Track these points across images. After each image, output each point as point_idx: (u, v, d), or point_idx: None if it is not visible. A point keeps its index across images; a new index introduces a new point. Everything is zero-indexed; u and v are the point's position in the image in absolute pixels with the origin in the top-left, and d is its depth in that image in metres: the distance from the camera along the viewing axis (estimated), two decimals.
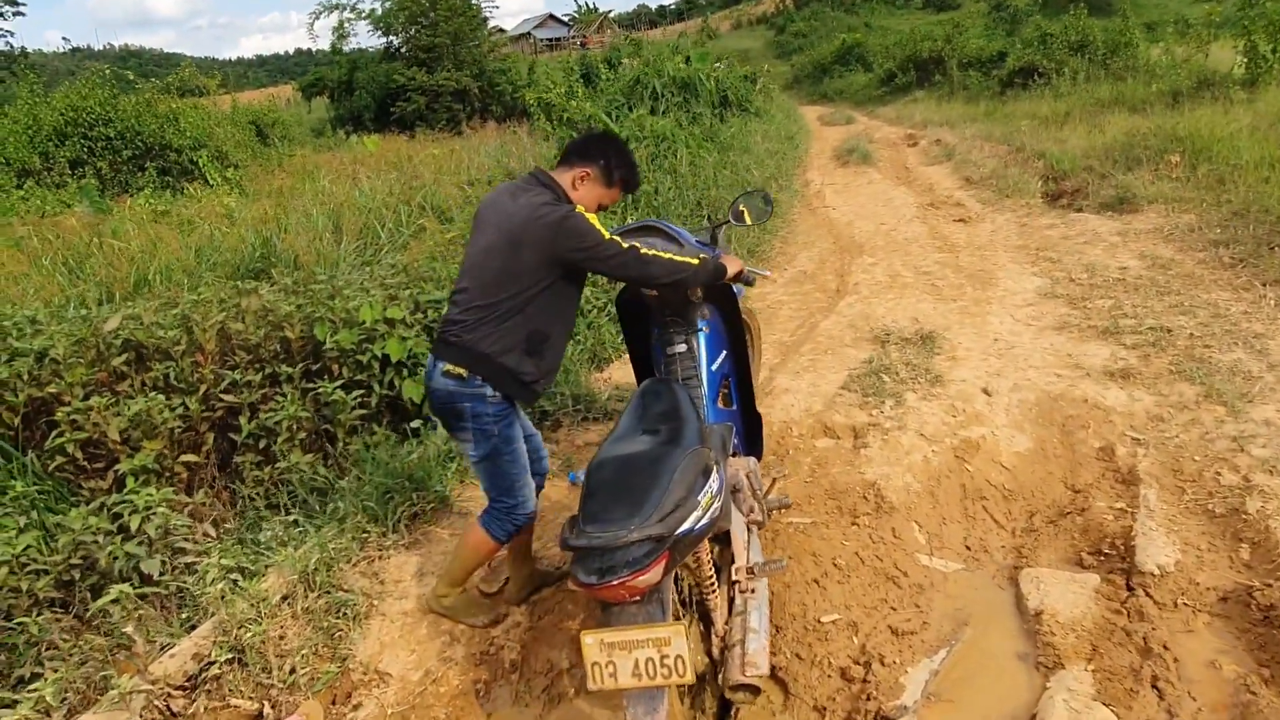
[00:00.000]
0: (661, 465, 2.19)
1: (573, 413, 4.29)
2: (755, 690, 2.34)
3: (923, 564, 3.27)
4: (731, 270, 2.87)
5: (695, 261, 2.68)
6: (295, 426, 4.31)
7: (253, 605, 2.90)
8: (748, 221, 3.15)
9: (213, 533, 3.77)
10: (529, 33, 56.57)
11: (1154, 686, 2.52)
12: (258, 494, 3.99)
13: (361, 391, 4.35)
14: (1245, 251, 5.56)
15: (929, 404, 4.09)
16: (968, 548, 3.40)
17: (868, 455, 3.77)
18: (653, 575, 2.08)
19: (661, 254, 2.61)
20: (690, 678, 2.07)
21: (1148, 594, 2.89)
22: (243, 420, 4.31)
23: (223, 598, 2.95)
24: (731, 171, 7.83)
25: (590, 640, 2.09)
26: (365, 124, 23.93)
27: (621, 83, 8.34)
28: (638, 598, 2.13)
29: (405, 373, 4.68)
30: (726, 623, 2.59)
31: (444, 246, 5.84)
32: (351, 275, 5.36)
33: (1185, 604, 2.85)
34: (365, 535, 3.40)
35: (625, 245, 2.53)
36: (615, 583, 2.01)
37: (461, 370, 2.53)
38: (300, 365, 4.52)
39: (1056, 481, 3.67)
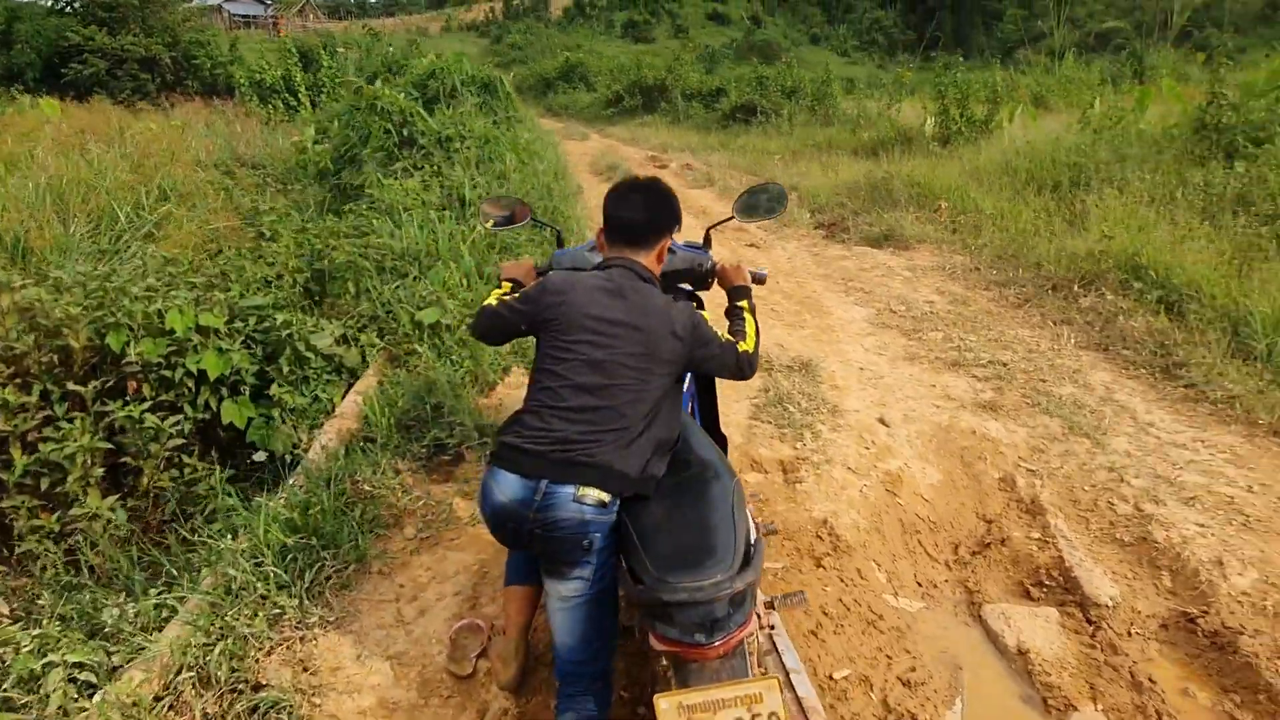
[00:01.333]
0: (718, 501, 2.02)
1: (478, 445, 3.74)
2: None
3: (892, 605, 3.25)
4: (740, 280, 2.64)
5: (752, 329, 2.46)
6: (89, 460, 3.40)
7: None
8: (750, 218, 2.89)
9: (3, 610, 2.85)
10: (220, 5, 50.77)
11: None
12: (46, 552, 3.09)
13: (175, 416, 3.51)
14: (1028, 292, 6.33)
15: (840, 435, 4.12)
16: (919, 584, 3.44)
17: (805, 491, 3.69)
18: (753, 626, 1.90)
19: (749, 345, 2.38)
20: None
21: (1108, 626, 3.09)
22: (14, 453, 3.33)
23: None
24: (535, 177, 7.45)
25: (666, 705, 1.80)
26: (27, 83, 20.16)
27: (413, 75, 7.57)
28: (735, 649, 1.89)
29: (225, 393, 3.85)
30: (760, 665, 2.30)
31: (233, 240, 4.89)
32: (114, 268, 4.31)
33: (1138, 633, 3.09)
34: (278, 611, 2.67)
35: (729, 340, 2.32)
36: (727, 639, 1.80)
37: (605, 496, 2.06)
38: (93, 383, 3.56)
39: (969, 512, 3.85)
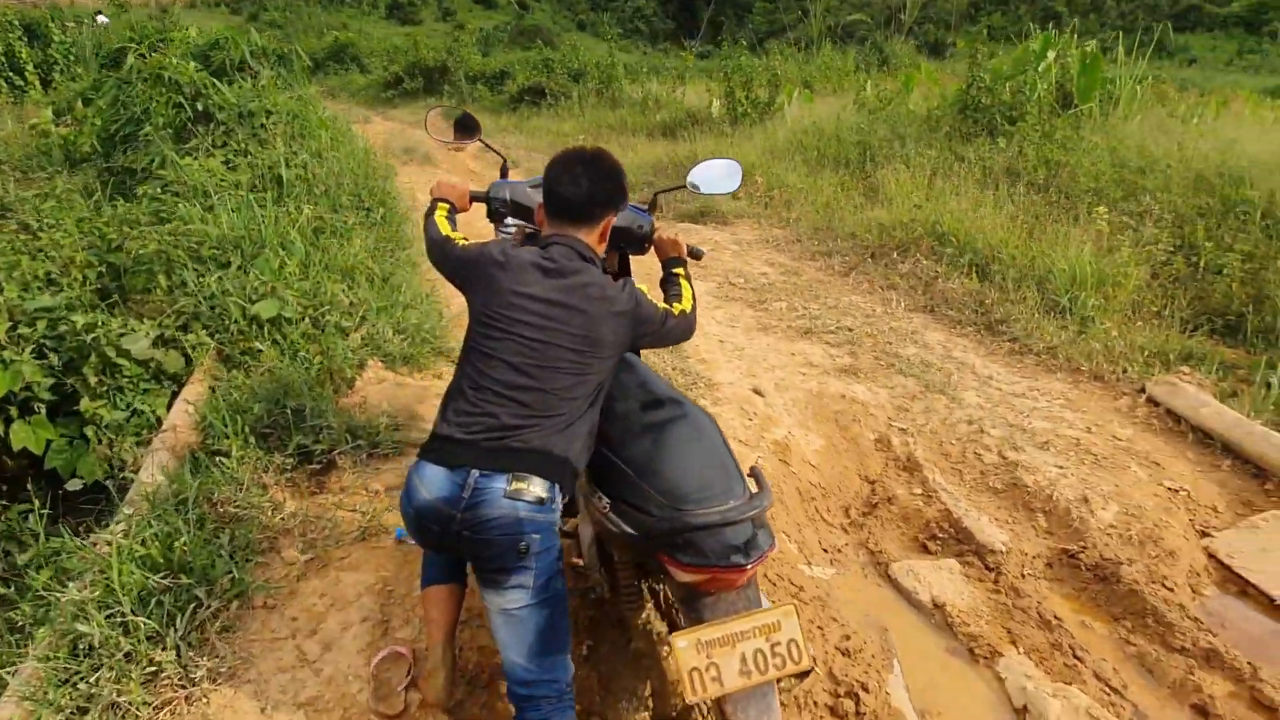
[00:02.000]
0: (712, 431, 2.07)
1: (351, 450, 3.31)
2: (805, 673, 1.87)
3: (809, 575, 3.23)
4: (676, 253, 2.54)
5: (689, 293, 2.39)
6: None
7: None
8: (703, 191, 2.75)
9: None
10: None
11: (1076, 656, 2.84)
12: None
13: None
14: (851, 261, 6.62)
15: (723, 409, 4.06)
16: (824, 550, 3.46)
17: None
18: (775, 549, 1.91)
19: (686, 304, 2.32)
20: (808, 663, 1.82)
21: (1006, 571, 3.24)
22: None
23: None
24: (354, 156, 6.79)
25: (684, 643, 1.76)
26: None
27: (191, 46, 6.61)
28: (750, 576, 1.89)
29: (14, 413, 3.22)
30: None
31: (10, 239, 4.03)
32: None
33: (1030, 574, 3.27)
34: (153, 669, 2.19)
35: (665, 309, 2.21)
36: (760, 558, 1.82)
37: (543, 492, 1.90)
38: None
39: (853, 475, 3.93)
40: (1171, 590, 3.07)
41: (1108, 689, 2.69)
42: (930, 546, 3.47)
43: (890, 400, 4.36)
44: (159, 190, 4.73)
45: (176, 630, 2.31)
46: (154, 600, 2.35)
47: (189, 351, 3.60)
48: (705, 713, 2.34)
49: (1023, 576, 3.24)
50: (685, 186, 2.68)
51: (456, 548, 1.93)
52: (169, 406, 3.42)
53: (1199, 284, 5.25)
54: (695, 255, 2.61)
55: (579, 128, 14.83)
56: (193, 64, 5.80)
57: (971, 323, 5.35)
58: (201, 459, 3.04)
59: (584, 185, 2.11)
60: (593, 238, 2.15)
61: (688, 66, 18.54)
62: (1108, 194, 6.69)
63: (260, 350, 3.65)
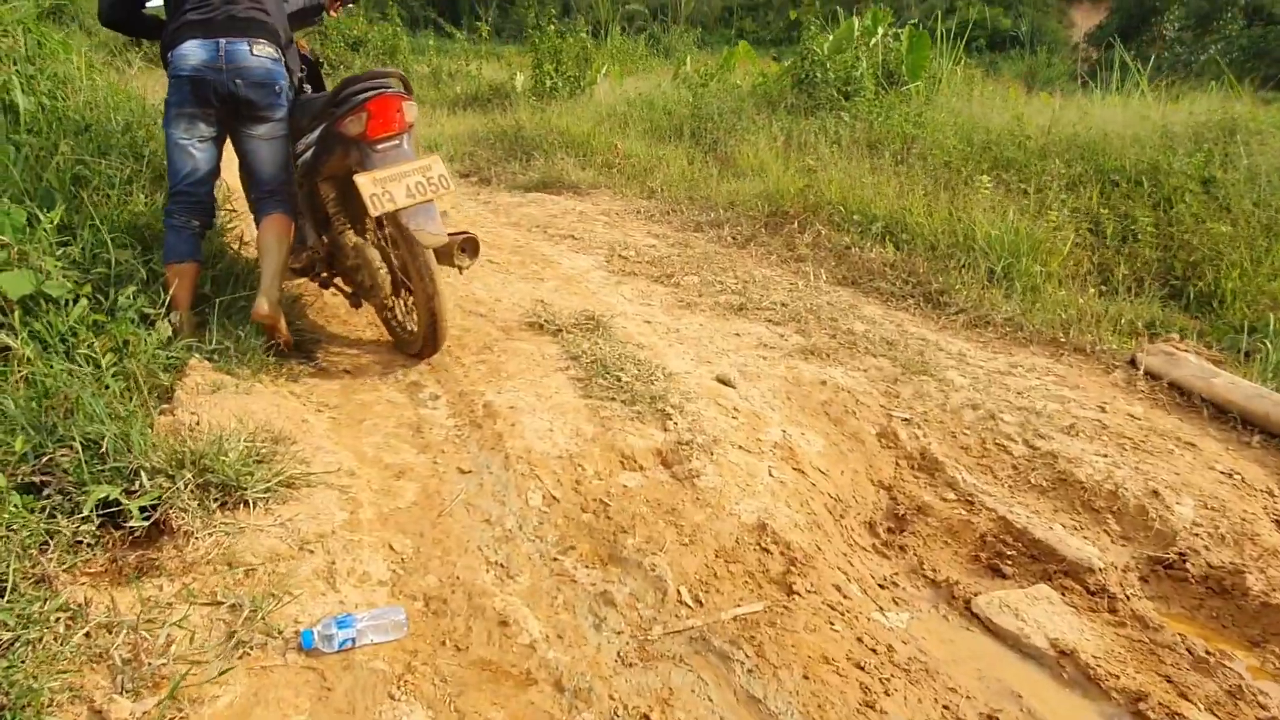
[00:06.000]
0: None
1: (194, 498, 2.01)
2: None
3: (885, 626, 2.36)
4: None
5: None
6: None
7: None
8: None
9: None
10: None
11: (1260, 705, 2.17)
12: None
13: None
14: (744, 232, 5.85)
15: (697, 405, 3.10)
16: (881, 586, 2.60)
17: (711, 487, 2.63)
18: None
19: None
20: (453, 189, 2.88)
21: (1115, 596, 2.55)
22: None
23: None
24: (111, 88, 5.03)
25: (364, 179, 2.73)
26: None
27: None
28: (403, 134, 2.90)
29: None
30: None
31: None
32: None
33: (1133, 594, 2.60)
34: None
35: None
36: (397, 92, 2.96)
37: (273, 52, 3.06)
38: None
39: (865, 481, 3.12)
40: None
41: None
42: (1003, 569, 2.71)
43: (873, 385, 3.59)
44: None
45: None
46: None
47: None
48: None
49: (1125, 597, 2.56)
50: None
51: (231, 100, 3.00)
52: None
53: (1130, 250, 4.96)
54: None
55: None
56: None
57: (907, 295, 4.74)
58: None
59: None
60: None
61: (484, 39, 17.36)
62: (977, 165, 6.41)
63: (11, 347, 2.22)
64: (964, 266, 4.82)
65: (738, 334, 3.99)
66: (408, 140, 2.87)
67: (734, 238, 5.78)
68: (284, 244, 3.13)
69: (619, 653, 1.99)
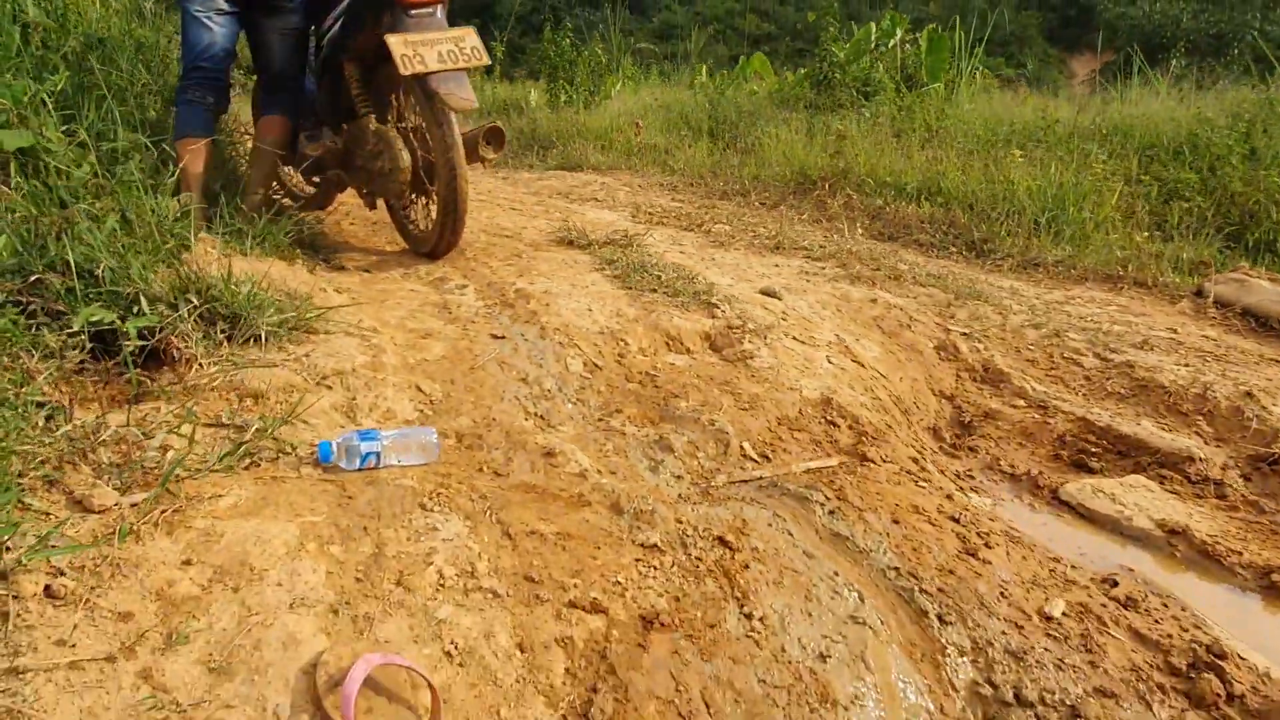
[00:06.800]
0: None
1: (198, 328, 1.78)
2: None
3: (974, 505, 2.09)
4: None
5: None
6: None
7: None
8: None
9: None
10: None
11: None
12: None
13: None
14: (771, 198, 5.66)
15: (743, 306, 2.86)
16: (958, 477, 2.34)
17: (768, 366, 2.38)
18: None
19: None
20: (487, 60, 2.72)
21: (1225, 484, 2.29)
22: None
23: None
24: None
25: (395, 39, 2.59)
26: None
27: None
28: (437, 4, 2.72)
29: None
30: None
31: None
32: None
33: (1238, 488, 2.33)
34: None
35: None
36: None
37: None
38: None
39: (925, 389, 2.86)
40: None
41: None
42: (1089, 464, 2.44)
43: (925, 308, 3.35)
44: None
45: None
46: None
47: None
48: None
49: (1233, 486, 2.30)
50: None
51: None
52: None
53: (1179, 204, 4.73)
54: None
55: None
56: None
57: (948, 245, 4.52)
58: None
59: None
60: None
61: (497, 59, 17.48)
62: (1006, 145, 6.23)
63: (4, 193, 2.01)
64: (1007, 217, 4.61)
65: (776, 265, 3.77)
66: (441, 11, 2.72)
67: (761, 202, 5.59)
68: (276, 148, 3.08)
69: (680, 494, 1.73)
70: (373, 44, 2.81)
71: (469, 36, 2.67)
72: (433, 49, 2.58)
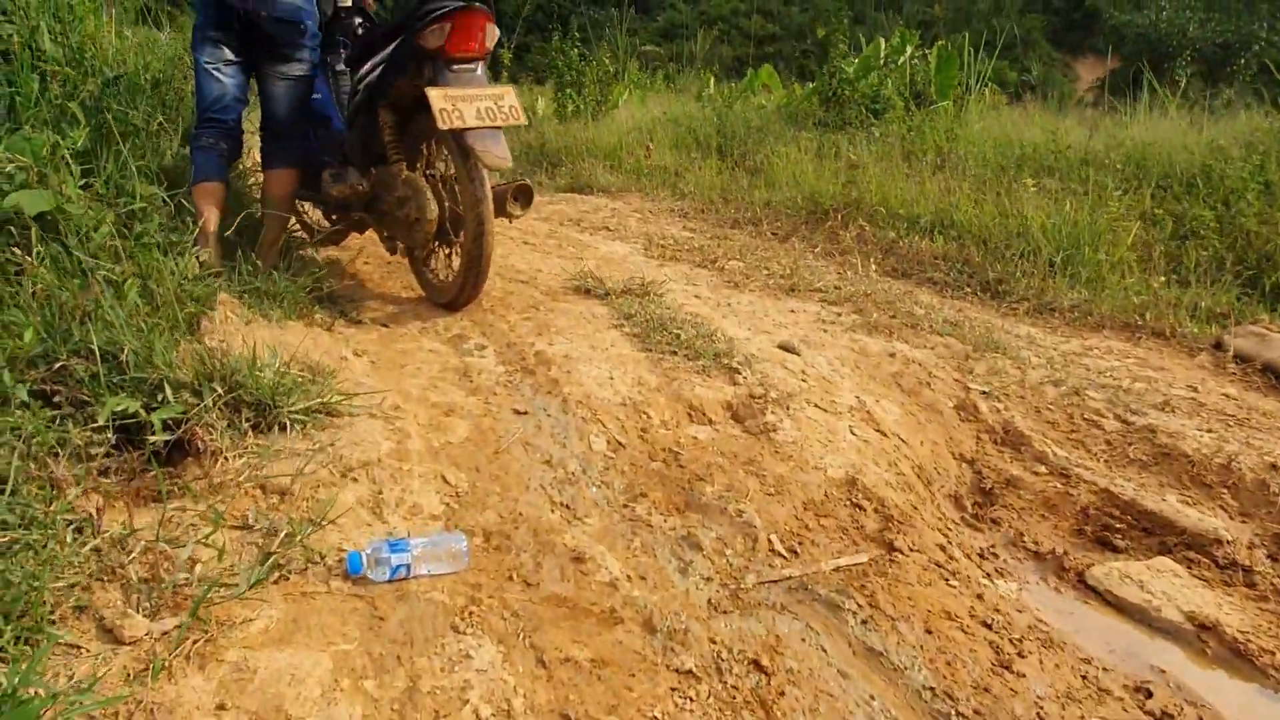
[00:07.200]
0: None
1: (223, 417, 1.75)
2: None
3: (999, 594, 2.07)
4: None
5: None
6: None
7: None
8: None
9: None
10: None
11: None
12: None
13: None
14: (784, 228, 5.63)
15: (764, 366, 2.84)
16: (981, 556, 2.32)
17: (790, 440, 2.36)
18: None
19: None
20: (524, 120, 2.77)
21: (1252, 569, 2.27)
22: None
23: None
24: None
25: (435, 93, 2.63)
26: None
27: None
28: (479, 61, 2.79)
29: None
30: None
31: None
32: None
33: (1265, 570, 2.31)
34: None
35: None
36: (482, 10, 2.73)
37: None
38: None
39: (945, 453, 2.84)
40: None
41: None
42: (1114, 541, 2.42)
43: (943, 361, 3.33)
44: None
45: None
46: None
47: None
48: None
49: (1263, 573, 2.28)
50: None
51: (255, 31, 2.93)
52: None
53: (1195, 243, 4.70)
54: None
55: None
56: None
57: (963, 284, 4.50)
58: None
59: None
60: None
61: (505, 66, 17.48)
62: (1018, 172, 6.20)
63: (19, 269, 1.98)
64: (1022, 256, 4.58)
65: (792, 310, 3.74)
66: (483, 68, 2.78)
67: (773, 233, 5.56)
68: (284, 206, 3.16)
69: (710, 600, 1.71)
70: (411, 93, 2.84)
71: (508, 95, 2.74)
72: (472, 105, 2.62)
